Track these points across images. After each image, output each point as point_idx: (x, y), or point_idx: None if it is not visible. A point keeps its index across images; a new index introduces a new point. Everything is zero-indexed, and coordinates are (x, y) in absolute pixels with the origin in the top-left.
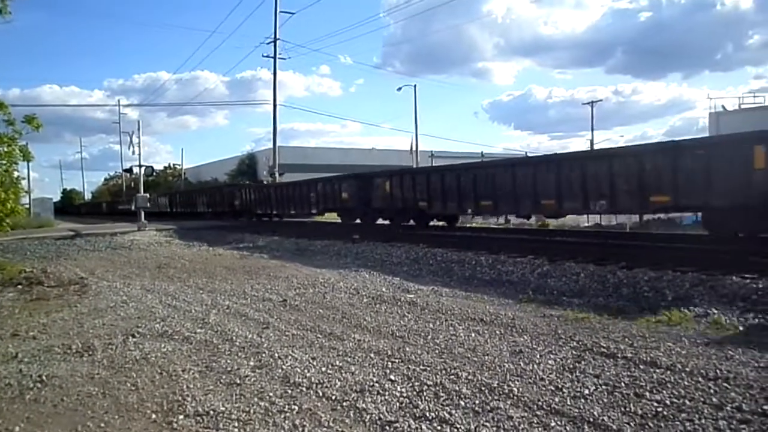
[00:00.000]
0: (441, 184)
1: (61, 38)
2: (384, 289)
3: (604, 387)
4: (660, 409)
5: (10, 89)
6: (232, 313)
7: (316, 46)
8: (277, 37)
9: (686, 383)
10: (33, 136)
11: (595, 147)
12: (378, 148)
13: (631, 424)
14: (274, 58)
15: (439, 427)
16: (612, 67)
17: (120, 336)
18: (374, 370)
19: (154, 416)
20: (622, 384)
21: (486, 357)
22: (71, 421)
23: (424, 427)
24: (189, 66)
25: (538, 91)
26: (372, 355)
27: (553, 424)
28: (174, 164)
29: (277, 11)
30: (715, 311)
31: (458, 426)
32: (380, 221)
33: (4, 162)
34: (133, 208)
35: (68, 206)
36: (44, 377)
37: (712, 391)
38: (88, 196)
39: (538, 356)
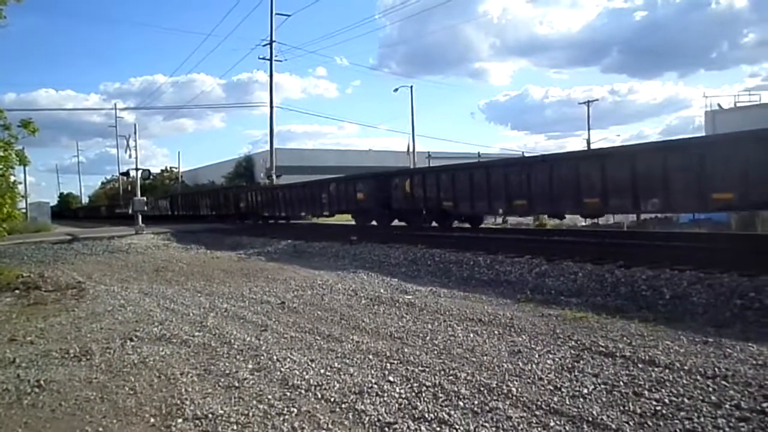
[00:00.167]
0: (469, 182)
1: (56, 42)
2: (382, 291)
3: (602, 386)
4: (659, 408)
5: (6, 93)
6: (230, 316)
7: (312, 47)
8: (274, 39)
9: (685, 381)
10: (29, 140)
11: (592, 146)
12: (375, 149)
13: (630, 423)
14: (271, 60)
15: (438, 428)
16: (608, 66)
17: (118, 340)
18: (373, 372)
19: (152, 420)
20: (621, 383)
21: (484, 357)
22: (69, 425)
23: (423, 428)
24: (185, 69)
25: (534, 91)
26: (370, 356)
27: (552, 423)
28: (171, 167)
29: (273, 13)
30: (713, 309)
31: (457, 427)
32: (395, 222)
33: (0, 166)
34: (130, 211)
35: (65, 210)
36: (42, 382)
37: (710, 389)
38: (85, 200)
39: (536, 356)
